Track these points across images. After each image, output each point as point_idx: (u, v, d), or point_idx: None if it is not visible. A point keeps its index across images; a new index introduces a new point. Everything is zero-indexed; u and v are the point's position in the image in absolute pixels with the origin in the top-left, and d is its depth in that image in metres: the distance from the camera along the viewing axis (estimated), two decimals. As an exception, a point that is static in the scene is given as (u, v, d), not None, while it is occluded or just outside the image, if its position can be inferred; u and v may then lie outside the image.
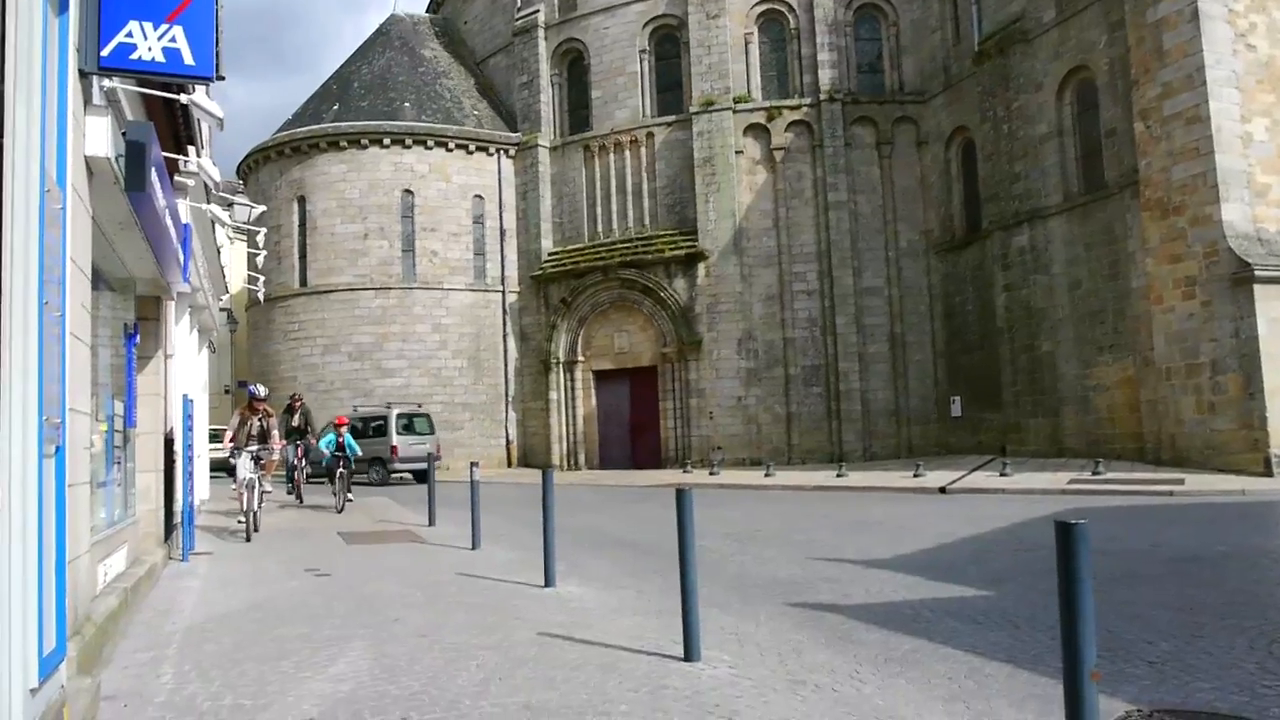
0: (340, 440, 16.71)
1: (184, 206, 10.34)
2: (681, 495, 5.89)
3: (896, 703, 4.85)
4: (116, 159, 6.01)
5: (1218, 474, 17.15)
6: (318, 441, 19.11)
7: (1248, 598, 7.18)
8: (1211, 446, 18.02)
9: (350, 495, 16.88)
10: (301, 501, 17.85)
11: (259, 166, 32.73)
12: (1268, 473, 16.74)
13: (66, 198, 4.50)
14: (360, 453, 18.11)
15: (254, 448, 13.15)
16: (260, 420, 13.65)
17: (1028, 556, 9.73)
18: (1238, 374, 17.59)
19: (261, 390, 14.39)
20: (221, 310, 22.91)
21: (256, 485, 12.86)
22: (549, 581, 8.63)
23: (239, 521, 12.99)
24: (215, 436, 23.07)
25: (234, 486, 14.70)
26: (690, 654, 5.78)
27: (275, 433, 13.83)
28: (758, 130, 28.58)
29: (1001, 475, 18.63)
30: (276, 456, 14.19)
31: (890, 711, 4.70)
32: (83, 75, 5.50)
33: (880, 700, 4.90)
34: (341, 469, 16.54)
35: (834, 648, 6.06)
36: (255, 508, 12.67)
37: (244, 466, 12.81)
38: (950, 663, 5.60)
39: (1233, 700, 4.73)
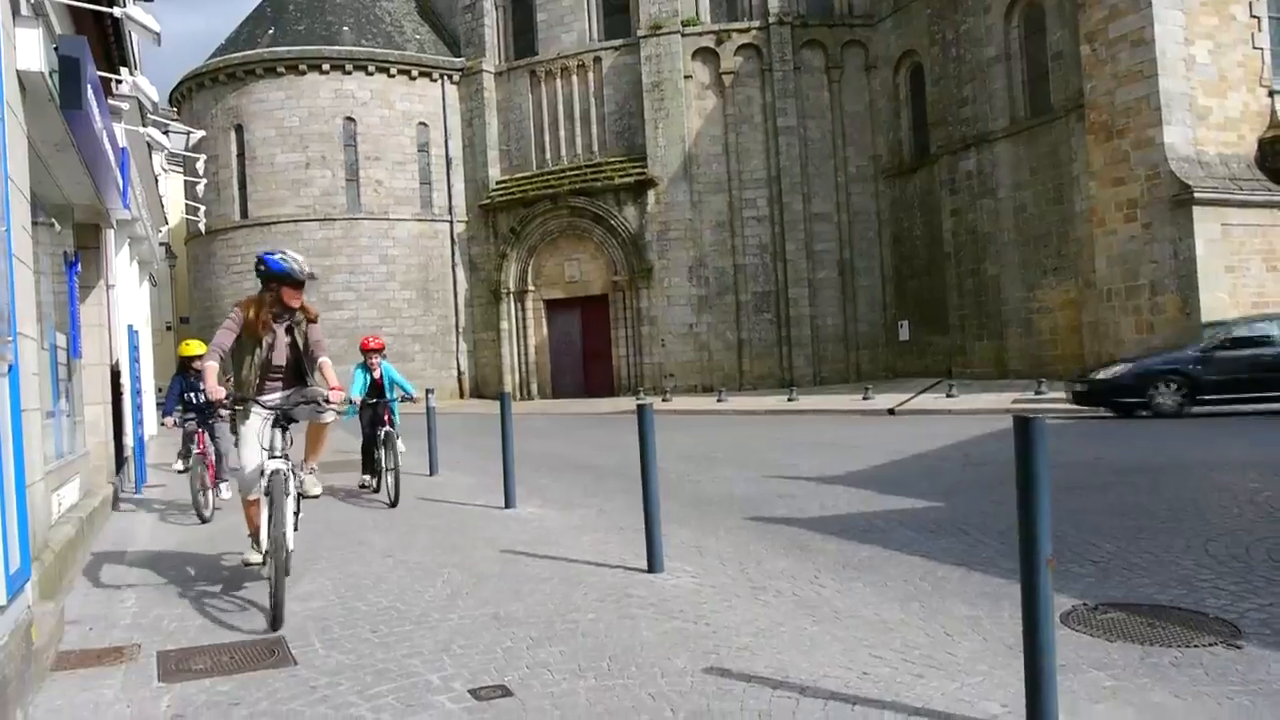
0: (378, 378, 9.84)
1: (119, 130, 9.98)
2: (642, 410, 5.95)
3: (856, 604, 5.01)
4: (50, 74, 5.78)
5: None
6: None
7: (1184, 503, 7.49)
8: (1149, 365, 18.54)
9: (401, 456, 9.50)
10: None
11: (193, 94, 31.59)
12: (1201, 389, 17.30)
13: (3, 111, 4.32)
14: (414, 393, 10.12)
15: (276, 396, 5.86)
16: (290, 332, 5.90)
17: (975, 471, 10.01)
18: (1175, 295, 18.07)
19: (301, 266, 5.91)
20: (160, 244, 22.32)
21: (287, 484, 5.45)
22: (509, 503, 8.71)
23: (250, 564, 5.92)
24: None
25: (188, 468, 9.12)
26: (653, 565, 5.89)
27: (324, 360, 5.97)
28: (706, 54, 28.21)
29: (948, 396, 19.05)
30: (331, 417, 6.06)
31: (850, 612, 4.86)
32: (9, -16, 5.24)
33: (840, 603, 5.06)
34: (387, 427, 9.54)
35: (793, 557, 6.22)
36: (285, 540, 5.24)
37: (252, 436, 5.65)
38: (905, 567, 5.79)
39: (1172, 593, 4.96)
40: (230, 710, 3.79)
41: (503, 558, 6.51)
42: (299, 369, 5.90)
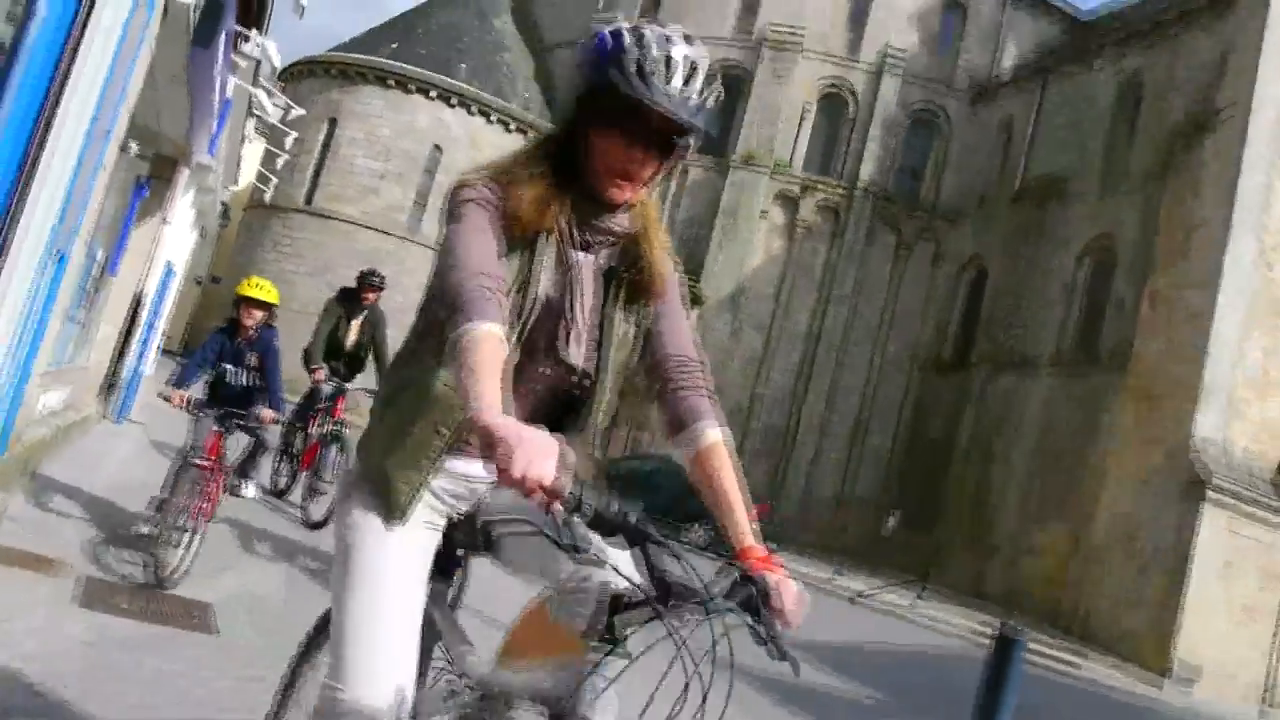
0: None
1: (231, 82, 10.24)
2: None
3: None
4: (194, 8, 5.98)
5: (1119, 660, 17.21)
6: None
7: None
8: (1121, 633, 18.21)
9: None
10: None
11: (300, 78, 32.53)
12: (1164, 675, 16.84)
13: (147, 31, 4.46)
14: None
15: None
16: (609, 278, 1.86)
17: (920, 677, 9.79)
18: (1165, 575, 17.81)
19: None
20: (221, 203, 22.62)
21: None
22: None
23: None
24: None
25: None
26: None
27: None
28: (786, 200, 28.87)
29: (919, 598, 18.68)
30: None
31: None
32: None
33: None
34: None
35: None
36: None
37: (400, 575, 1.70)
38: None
39: None
40: (142, 657, 3.68)
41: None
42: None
